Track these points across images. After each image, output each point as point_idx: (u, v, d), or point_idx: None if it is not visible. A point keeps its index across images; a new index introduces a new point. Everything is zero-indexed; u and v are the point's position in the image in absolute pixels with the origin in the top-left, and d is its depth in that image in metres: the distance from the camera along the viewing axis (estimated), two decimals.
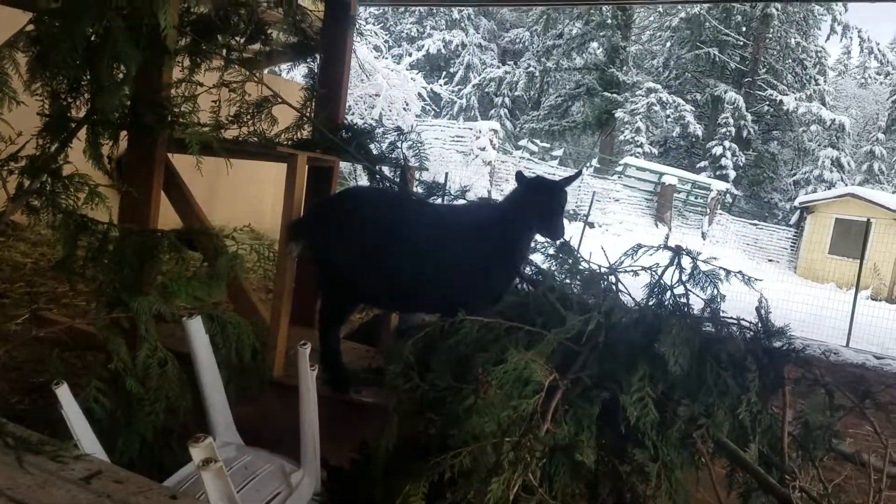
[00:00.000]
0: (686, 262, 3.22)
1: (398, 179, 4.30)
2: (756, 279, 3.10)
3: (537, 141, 31.09)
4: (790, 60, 35.96)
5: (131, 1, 3.05)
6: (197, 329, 3.04)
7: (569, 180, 3.68)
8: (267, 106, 3.88)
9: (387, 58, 18.79)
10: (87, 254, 3.17)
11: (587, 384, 2.73)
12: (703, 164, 33.27)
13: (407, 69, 20.14)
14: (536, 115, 36.36)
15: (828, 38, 34.94)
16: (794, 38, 35.22)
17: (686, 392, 2.71)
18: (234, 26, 3.55)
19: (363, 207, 3.78)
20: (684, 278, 3.06)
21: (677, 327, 2.67)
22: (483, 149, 19.21)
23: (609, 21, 34.66)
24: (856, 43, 35.25)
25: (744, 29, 35.49)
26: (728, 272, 3.13)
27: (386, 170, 4.29)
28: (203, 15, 3.53)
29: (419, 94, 18.63)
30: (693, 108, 34.26)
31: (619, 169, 27.50)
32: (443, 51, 36.74)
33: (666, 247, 3.19)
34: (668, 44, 37.02)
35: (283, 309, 3.83)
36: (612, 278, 3.23)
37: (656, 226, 24.66)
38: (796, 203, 27.62)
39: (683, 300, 3.03)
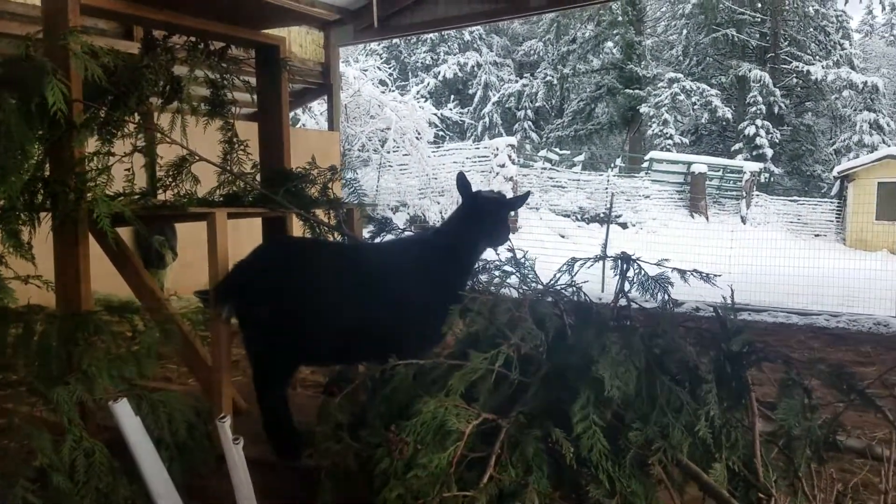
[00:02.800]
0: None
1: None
2: (715, 275, 2.83)
3: (557, 149, 30.75)
4: (811, 29, 35.09)
5: (22, 81, 2.96)
6: (124, 412, 2.89)
7: (517, 200, 3.53)
8: (185, 166, 3.76)
9: (393, 90, 18.79)
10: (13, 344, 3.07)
11: (534, 419, 2.50)
12: (737, 146, 32.56)
13: (416, 98, 20.13)
14: (560, 122, 36.16)
15: (847, 1, 34.00)
16: (812, 5, 34.37)
17: (638, 414, 2.45)
18: (146, 89, 3.43)
19: (285, 259, 3.62)
20: (627, 287, 2.80)
21: (617, 345, 2.42)
22: (503, 165, 18.99)
23: (620, 18, 34.40)
24: (877, 1, 34.16)
25: (759, 5, 34.80)
26: (683, 272, 2.87)
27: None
28: (112, 82, 3.40)
29: (429, 122, 18.59)
30: (719, 92, 33.63)
31: (645, 165, 26.98)
32: (459, 74, 36.80)
33: (604, 256, 2.93)
34: (684, 31, 36.48)
35: (224, 377, 3.66)
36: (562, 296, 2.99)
37: (692, 217, 24.04)
38: (835, 173, 26.76)
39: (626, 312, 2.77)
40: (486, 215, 3.42)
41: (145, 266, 10.63)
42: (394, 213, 18.05)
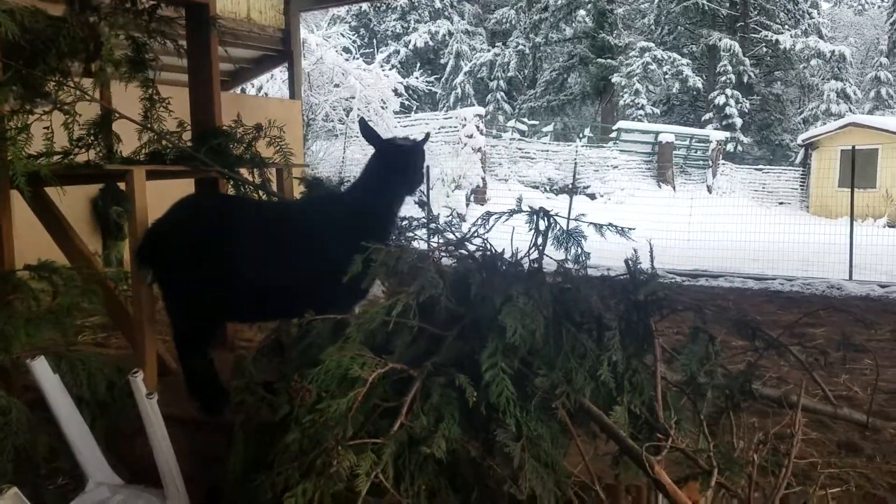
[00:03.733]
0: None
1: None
2: (629, 229, 2.88)
3: (526, 119, 30.72)
4: None
5: None
6: (43, 371, 2.91)
7: (423, 141, 3.59)
8: (106, 124, 3.74)
9: (357, 58, 18.62)
10: None
11: (446, 368, 2.55)
12: (707, 116, 32.75)
13: (381, 66, 19.97)
14: (533, 93, 36.01)
15: None
16: None
17: (544, 361, 2.51)
18: (64, 46, 3.39)
19: (198, 217, 3.62)
20: (541, 241, 2.85)
21: (524, 295, 2.47)
22: (470, 136, 18.93)
23: None
24: None
25: None
26: (600, 226, 2.91)
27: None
28: (29, 40, 3.35)
29: (395, 91, 18.47)
30: (690, 62, 33.73)
31: (614, 135, 27.06)
32: (430, 43, 36.47)
33: (519, 210, 2.97)
34: (656, 0, 36.42)
35: (147, 337, 3.68)
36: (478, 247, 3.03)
37: (659, 186, 24.22)
38: (799, 141, 27.06)
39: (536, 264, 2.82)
40: (402, 161, 3.43)
41: (104, 237, 10.58)
42: None
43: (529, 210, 2.85)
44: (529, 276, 2.74)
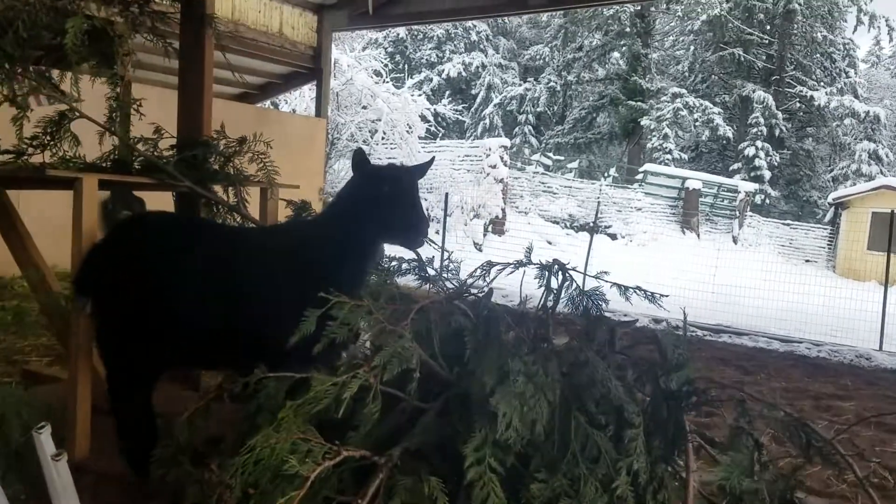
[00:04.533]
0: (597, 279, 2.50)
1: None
2: (662, 295, 2.35)
3: (550, 154, 30.30)
4: (818, 55, 34.73)
5: None
6: None
7: (422, 167, 3.01)
8: (64, 123, 3.23)
9: (387, 82, 18.25)
10: None
11: (420, 457, 2.02)
12: (736, 166, 32.17)
13: (410, 90, 19.61)
14: (561, 129, 35.84)
15: (855, 30, 33.48)
16: (820, 31, 33.95)
17: (546, 460, 1.97)
18: (22, 31, 2.92)
19: (139, 241, 3.10)
20: (553, 301, 2.32)
21: (525, 375, 1.94)
22: (494, 166, 18.46)
23: (628, 30, 34.11)
24: (884, 32, 33.63)
25: (767, 27, 34.40)
26: (625, 288, 2.39)
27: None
28: None
29: (422, 117, 18.07)
30: (721, 111, 33.20)
31: (640, 177, 26.52)
32: (463, 73, 36.37)
33: (528, 262, 2.43)
34: (692, 48, 36.10)
35: (81, 375, 3.14)
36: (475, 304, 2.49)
37: (683, 233, 23.59)
38: (829, 199, 26.36)
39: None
40: (378, 186, 2.81)
41: None
42: None
43: (540, 265, 2.30)
44: (534, 344, 2.20)
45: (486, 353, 2.07)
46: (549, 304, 2.32)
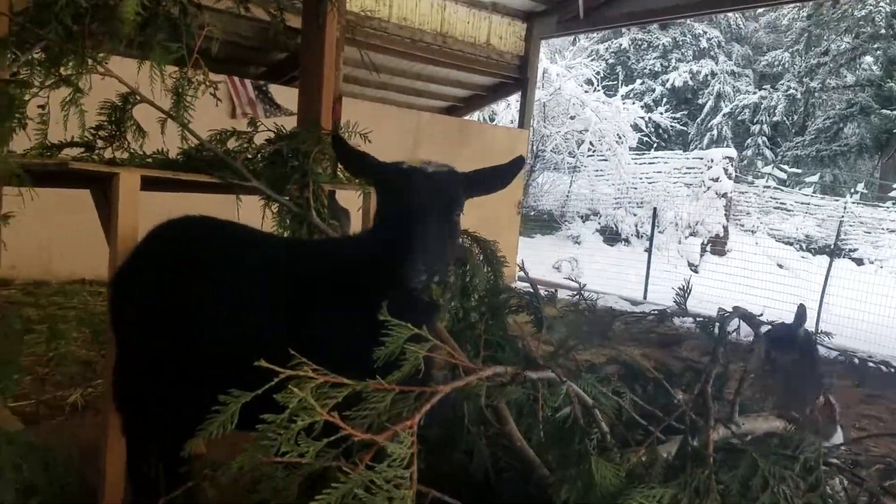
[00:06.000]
0: None
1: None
2: None
3: (785, 167, 27.62)
4: None
5: None
6: None
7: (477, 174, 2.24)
8: (127, 108, 2.80)
9: (598, 90, 17.37)
10: None
11: None
12: None
13: (624, 99, 18.58)
14: (801, 140, 32.88)
15: None
16: None
17: None
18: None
19: (170, 248, 2.62)
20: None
21: None
22: (716, 179, 16.93)
23: (883, 31, 30.71)
24: None
25: None
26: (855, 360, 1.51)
27: None
28: None
29: (634, 125, 17.00)
30: None
31: (893, 195, 23.40)
32: (689, 82, 34.59)
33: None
34: None
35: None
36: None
37: None
38: None
39: None
40: (395, 194, 2.13)
41: None
42: (583, 222, 16.68)
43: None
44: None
45: None
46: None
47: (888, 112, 29.54)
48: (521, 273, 2.84)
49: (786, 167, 27.91)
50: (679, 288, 2.12)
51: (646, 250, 13.80)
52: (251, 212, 3.05)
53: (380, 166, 2.24)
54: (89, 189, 3.01)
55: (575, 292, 2.82)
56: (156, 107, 2.92)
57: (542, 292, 2.92)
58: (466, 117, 15.76)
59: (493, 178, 2.31)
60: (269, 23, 3.37)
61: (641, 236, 14.72)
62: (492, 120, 18.73)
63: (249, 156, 3.00)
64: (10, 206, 2.97)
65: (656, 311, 2.27)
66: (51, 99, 2.77)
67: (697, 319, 2.19)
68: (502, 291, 2.47)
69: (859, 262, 19.50)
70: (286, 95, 9.96)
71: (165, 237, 2.74)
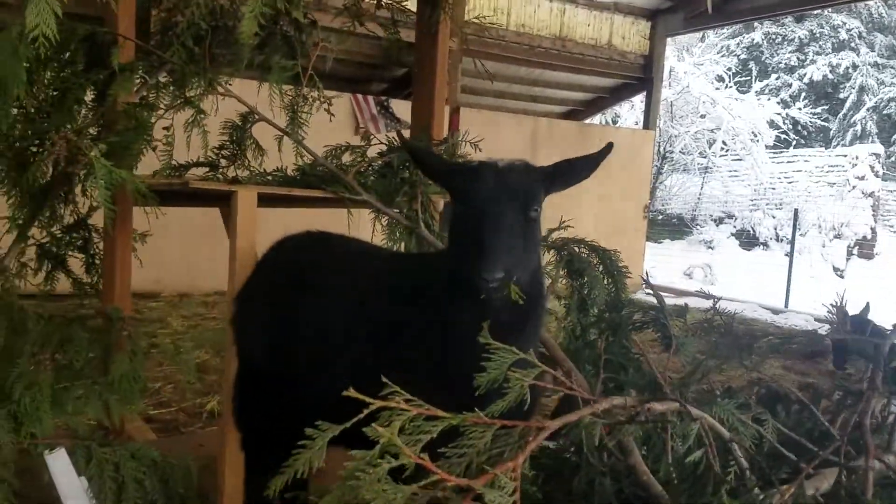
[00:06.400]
0: None
1: None
2: None
3: None
4: None
5: None
6: (62, 469, 2.03)
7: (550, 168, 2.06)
8: (246, 127, 2.80)
9: (730, 87, 16.59)
10: None
11: None
12: None
13: (759, 95, 17.68)
14: None
15: None
16: None
17: None
18: (198, 17, 2.55)
19: (289, 262, 2.60)
20: None
21: None
22: (861, 177, 15.82)
23: None
24: None
25: None
26: None
27: None
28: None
29: (770, 122, 16.11)
30: None
31: None
32: (829, 76, 32.68)
33: None
34: None
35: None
36: None
37: None
38: None
39: None
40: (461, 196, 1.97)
41: None
42: (717, 225, 15.93)
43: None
44: None
45: None
46: None
47: None
48: (646, 285, 2.65)
49: None
50: (831, 304, 1.88)
51: (786, 255, 13.02)
52: (362, 225, 3.03)
53: (447, 164, 2.16)
54: (217, 207, 3.05)
55: (709, 308, 2.58)
56: (272, 124, 2.93)
57: (672, 302, 2.70)
58: (588, 121, 15.41)
59: (578, 169, 2.14)
60: (385, 38, 3.34)
61: (781, 240, 13.91)
62: (615, 122, 18.24)
63: (361, 169, 2.97)
64: (154, 225, 3.07)
65: (805, 333, 2.03)
66: (174, 121, 2.82)
67: (853, 338, 1.93)
68: (624, 306, 2.29)
69: None
70: (407, 109, 10.04)
71: (285, 253, 2.75)
